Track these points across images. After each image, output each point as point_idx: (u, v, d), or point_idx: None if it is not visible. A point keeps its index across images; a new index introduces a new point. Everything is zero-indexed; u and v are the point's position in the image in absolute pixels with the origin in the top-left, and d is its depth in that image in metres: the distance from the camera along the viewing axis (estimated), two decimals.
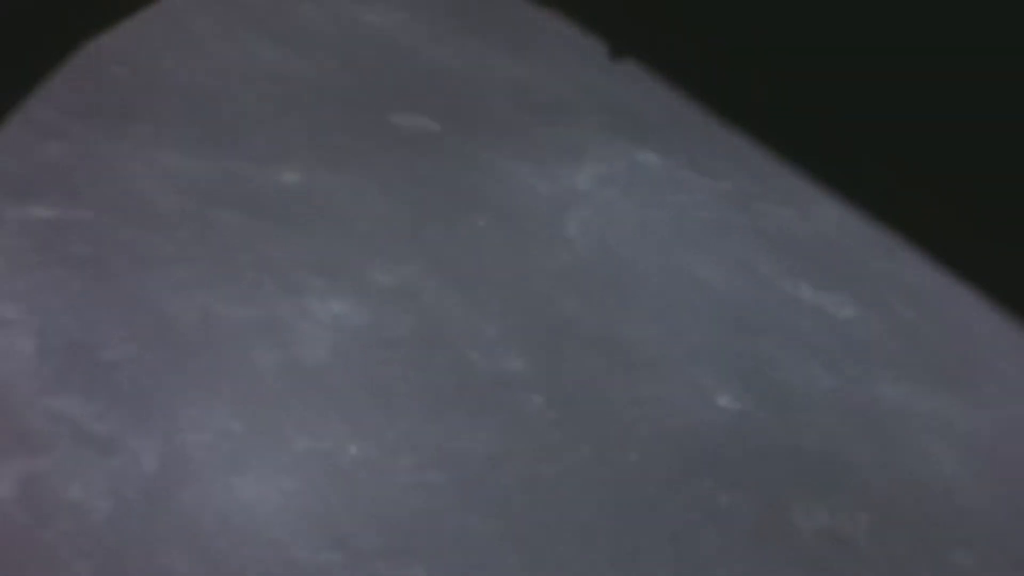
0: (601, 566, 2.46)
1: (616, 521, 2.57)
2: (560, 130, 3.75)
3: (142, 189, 2.86)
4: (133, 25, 3.44)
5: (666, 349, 3.08)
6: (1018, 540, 2.94)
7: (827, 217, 3.94)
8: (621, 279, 3.26)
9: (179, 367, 2.49)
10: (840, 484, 2.89)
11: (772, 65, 4.64)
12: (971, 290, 3.86)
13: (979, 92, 4.36)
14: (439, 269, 2.99)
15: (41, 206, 2.71)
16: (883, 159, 4.34)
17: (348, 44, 3.76)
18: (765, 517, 2.72)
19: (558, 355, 2.91)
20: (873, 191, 4.18)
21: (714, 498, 2.72)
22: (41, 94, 3.03)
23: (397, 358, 2.72)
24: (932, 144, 4.36)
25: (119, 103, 3.10)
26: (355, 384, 2.61)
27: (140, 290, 2.61)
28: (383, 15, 4.01)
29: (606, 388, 2.88)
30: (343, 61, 3.64)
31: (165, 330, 2.55)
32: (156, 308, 2.59)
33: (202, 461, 2.33)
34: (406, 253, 2.99)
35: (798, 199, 3.98)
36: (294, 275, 2.80)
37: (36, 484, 2.18)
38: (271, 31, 3.67)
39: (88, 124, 2.98)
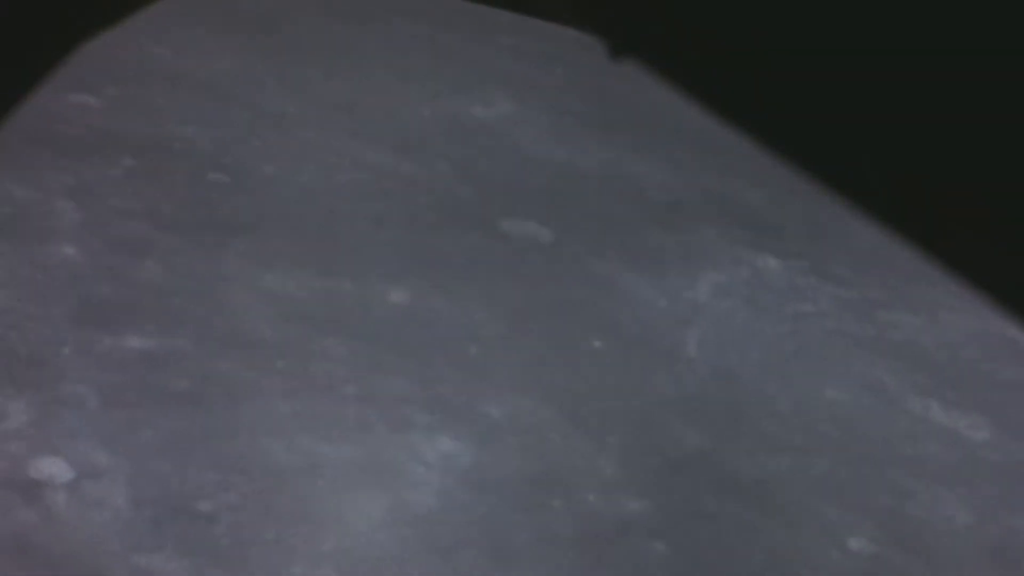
0: None
1: None
2: (678, 235, 3.57)
3: (242, 314, 2.71)
4: (230, 125, 3.30)
5: (793, 485, 2.89)
6: None
7: (956, 325, 3.72)
8: (744, 404, 3.07)
9: (280, 518, 2.32)
10: None
11: (891, 154, 4.45)
12: None
13: None
14: (553, 400, 2.81)
15: (137, 335, 2.57)
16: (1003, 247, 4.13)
17: (455, 142, 3.60)
18: None
19: (680, 495, 2.73)
20: (1006, 294, 3.96)
21: None
22: (138, 203, 2.89)
23: (509, 502, 2.54)
24: None
25: (217, 214, 2.96)
26: (465, 534, 2.44)
27: (239, 430, 2.45)
28: (490, 109, 3.85)
29: (731, 532, 2.69)
30: (450, 161, 3.48)
31: (265, 476, 2.39)
32: (256, 450, 2.43)
33: None
34: (518, 382, 2.82)
35: (925, 304, 3.77)
36: (401, 410, 2.63)
37: None
38: (375, 129, 3.52)
39: (186, 239, 2.84)
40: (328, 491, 2.41)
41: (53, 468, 2.28)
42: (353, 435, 2.54)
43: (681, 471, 2.82)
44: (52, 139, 2.99)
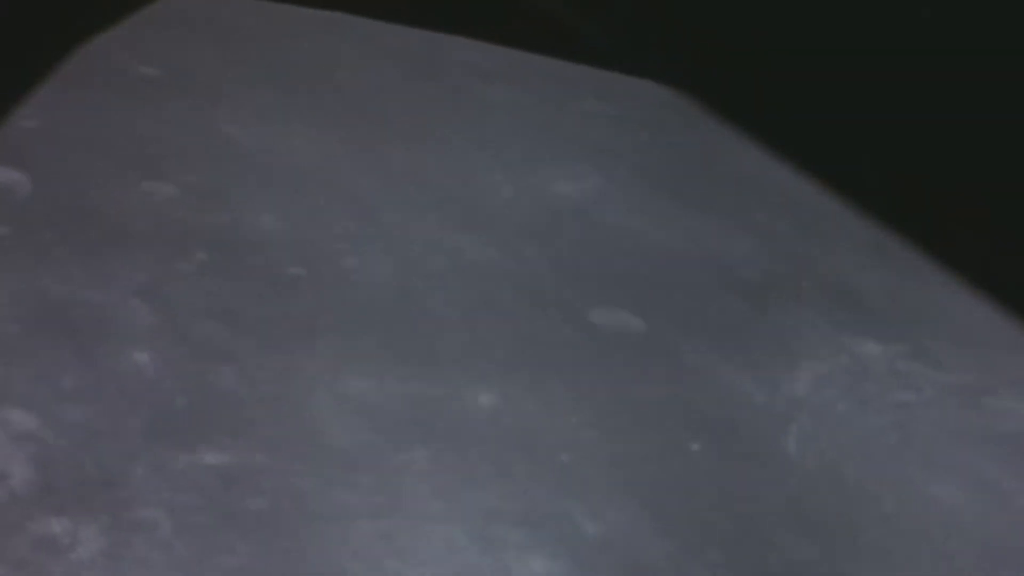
0: None
1: None
2: (772, 319, 3.41)
3: (323, 424, 2.57)
4: (308, 210, 3.17)
5: None
6: None
7: None
8: (850, 506, 2.89)
9: None
10: None
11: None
12: None
13: None
14: (651, 511, 2.65)
15: (212, 450, 2.43)
16: None
17: (541, 222, 3.46)
18: None
19: None
20: None
21: None
22: (213, 302, 2.76)
23: None
24: None
25: (296, 313, 2.82)
26: None
27: (319, 553, 2.31)
28: (575, 183, 3.71)
29: None
30: (537, 244, 3.33)
31: None
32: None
33: None
34: (614, 492, 2.66)
35: None
36: (491, 527, 2.48)
37: None
38: (457, 210, 3.38)
39: (263, 341, 2.70)
40: None
41: None
42: (440, 557, 2.39)
43: None
44: (124, 233, 2.87)
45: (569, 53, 5.02)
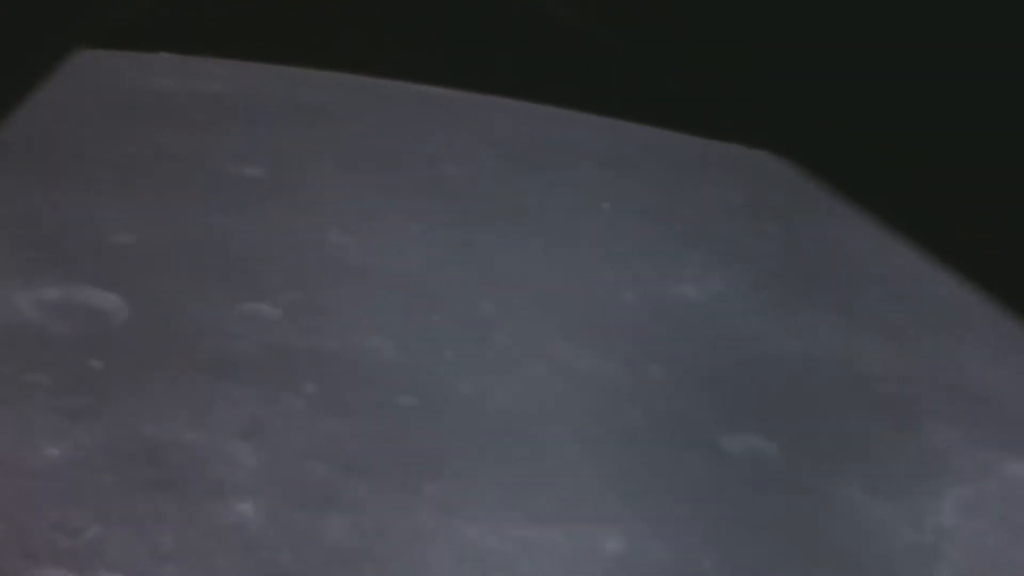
0: None
1: None
2: (912, 438, 3.18)
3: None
4: (419, 329, 2.99)
5: None
6: None
7: None
8: None
9: None
10: None
11: None
12: None
13: None
14: None
15: None
16: None
17: (665, 333, 3.26)
18: None
19: None
20: None
21: None
22: (320, 441, 2.58)
23: None
24: None
25: (409, 451, 2.64)
26: None
27: None
28: (700, 286, 3.51)
29: None
30: (661, 360, 3.13)
31: None
32: None
33: None
34: None
35: None
36: None
37: None
38: (574, 322, 3.19)
39: (374, 484, 2.52)
40: None
41: None
42: None
43: None
44: (226, 364, 2.70)
45: (664, 114, 4.84)
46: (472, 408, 2.79)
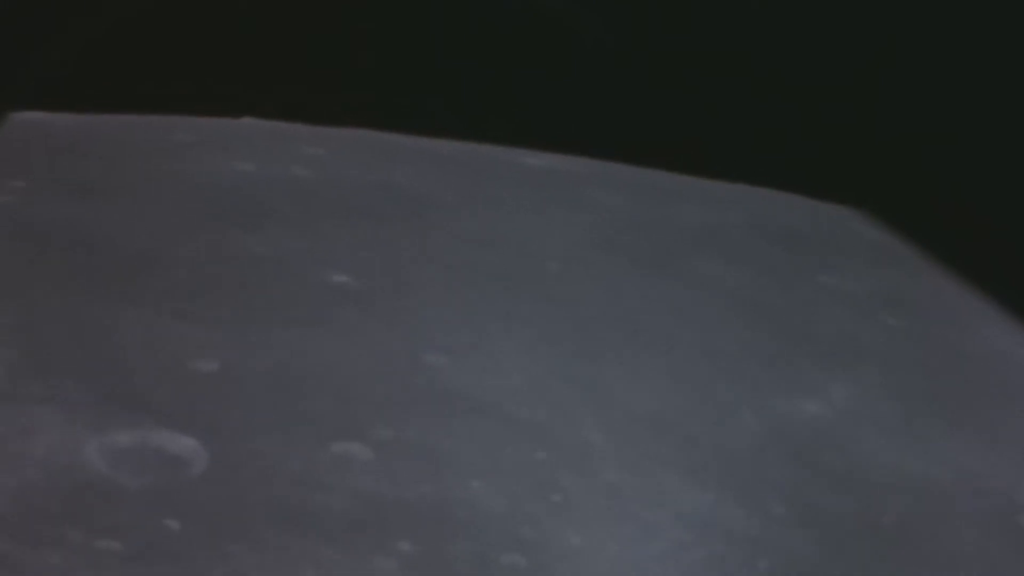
0: None
1: None
2: None
3: None
4: (523, 470, 2.73)
5: None
6: None
7: None
8: None
9: None
10: None
11: None
12: None
13: None
14: None
15: None
16: None
17: (787, 461, 2.99)
18: None
19: None
20: None
21: None
22: None
23: None
24: None
25: None
26: None
27: None
28: (823, 401, 3.25)
29: None
30: (785, 497, 2.86)
31: None
32: None
33: None
34: None
35: None
36: None
37: None
38: (689, 452, 2.92)
39: None
40: None
41: None
42: None
43: None
44: (314, 519, 2.46)
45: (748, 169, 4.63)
46: (582, 564, 2.52)
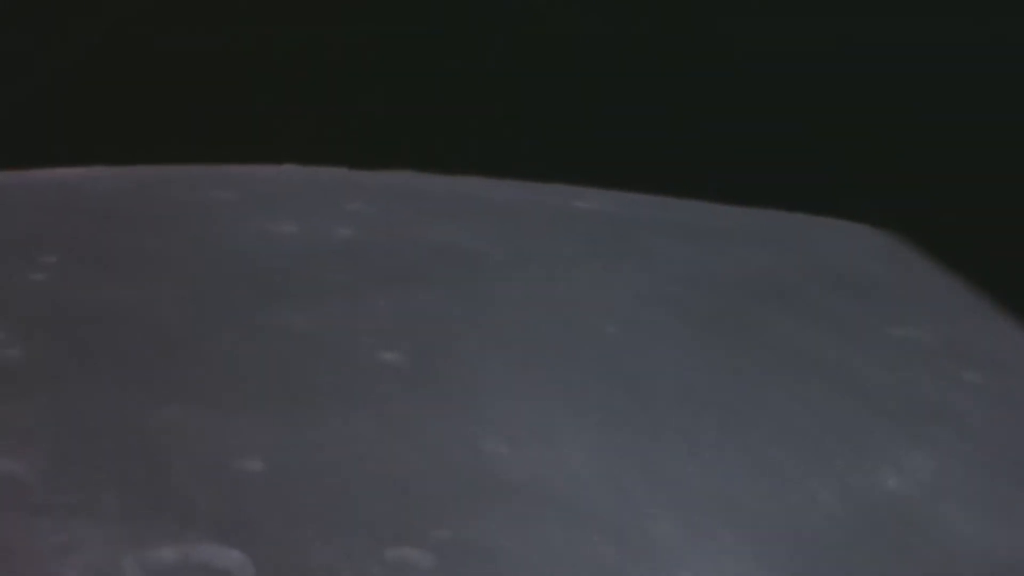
0: None
1: None
2: None
3: None
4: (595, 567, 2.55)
5: None
6: None
7: None
8: None
9: None
10: None
11: None
12: None
13: None
14: None
15: None
16: None
17: (871, 546, 2.80)
18: None
19: None
20: None
21: None
22: None
23: None
24: None
25: None
26: None
27: None
28: (899, 473, 3.06)
29: None
30: None
31: None
32: None
33: None
34: None
35: None
36: None
37: None
38: (774, 540, 2.73)
39: None
40: None
41: None
42: None
43: None
44: None
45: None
46: None
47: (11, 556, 2.35)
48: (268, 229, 3.89)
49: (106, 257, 3.53)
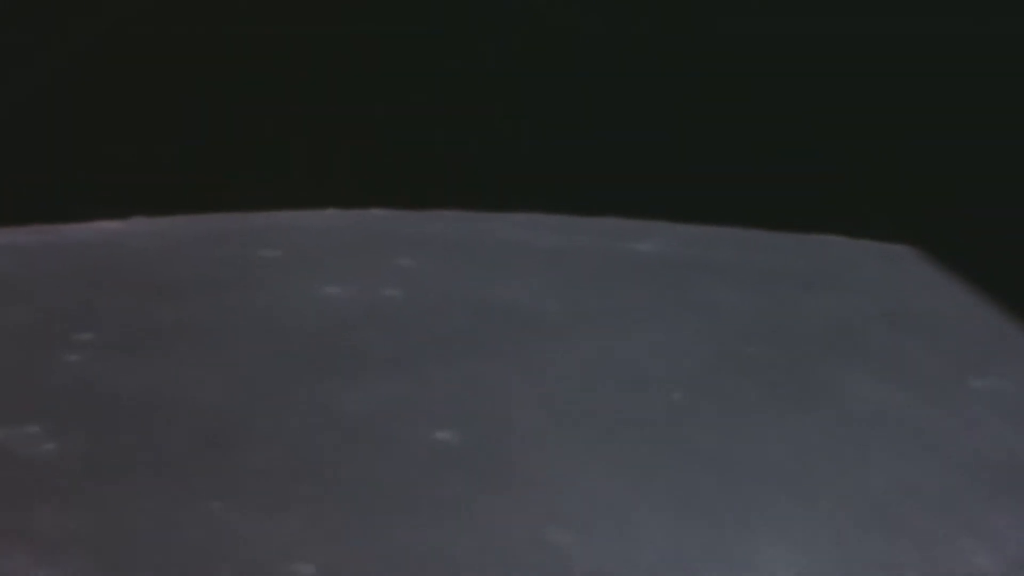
0: None
1: None
2: None
3: None
4: None
5: None
6: None
7: None
8: None
9: None
10: None
11: None
12: None
13: None
14: None
15: None
16: None
17: None
18: None
19: None
20: None
21: None
22: None
23: None
24: None
25: None
26: None
27: None
28: (990, 552, 2.83)
29: None
30: None
31: None
32: None
33: None
34: None
35: None
36: None
37: None
38: None
39: None
40: None
41: None
42: None
43: None
44: None
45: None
46: None
47: None
48: (314, 292, 3.73)
49: (144, 332, 3.37)
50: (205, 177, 5.09)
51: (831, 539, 2.79)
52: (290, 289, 3.70)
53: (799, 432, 3.15)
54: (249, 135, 5.22)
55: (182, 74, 5.15)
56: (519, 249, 4.28)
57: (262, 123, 5.21)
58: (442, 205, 4.68)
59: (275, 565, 2.49)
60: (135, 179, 4.96)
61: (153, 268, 3.93)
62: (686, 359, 3.41)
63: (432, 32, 5.20)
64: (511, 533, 2.65)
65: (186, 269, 3.90)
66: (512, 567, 2.56)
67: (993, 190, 4.94)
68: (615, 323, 3.65)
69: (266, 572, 2.46)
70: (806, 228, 4.65)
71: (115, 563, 2.47)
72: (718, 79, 5.10)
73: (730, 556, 2.65)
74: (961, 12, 5.00)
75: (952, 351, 3.80)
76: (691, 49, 5.13)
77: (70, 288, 3.71)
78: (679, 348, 3.49)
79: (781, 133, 5.13)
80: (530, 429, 3.01)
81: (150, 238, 4.30)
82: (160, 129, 5.19)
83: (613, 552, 2.64)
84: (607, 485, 2.84)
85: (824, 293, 4.05)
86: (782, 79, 5.06)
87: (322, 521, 2.61)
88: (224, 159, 5.11)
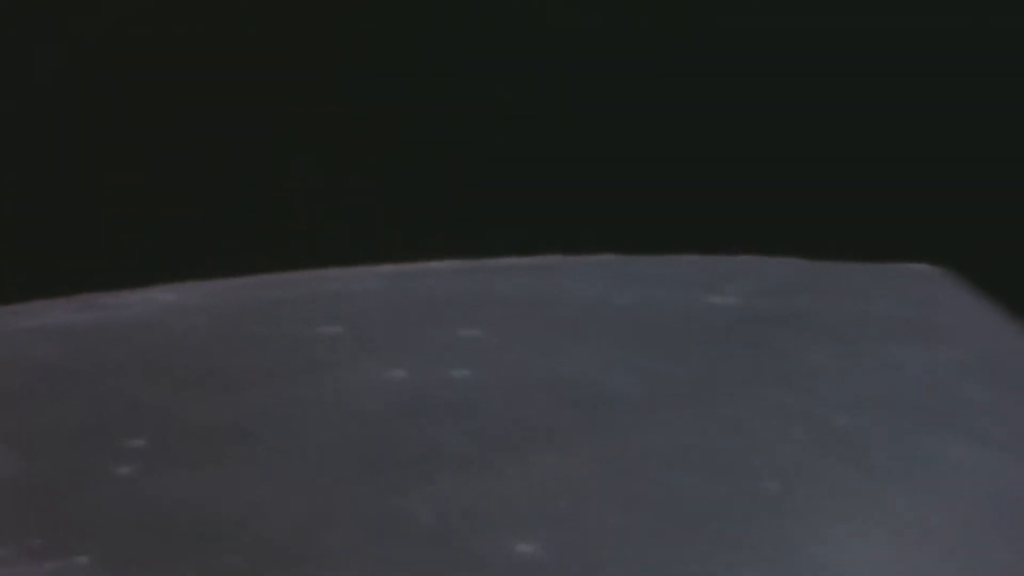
0: None
1: None
2: None
3: None
4: None
5: None
6: None
7: None
8: None
9: None
10: None
11: None
12: None
13: None
14: None
15: None
16: None
17: None
18: None
19: None
20: None
21: None
22: None
23: None
24: None
25: None
26: None
27: None
28: None
29: None
30: None
31: None
32: None
33: None
34: None
35: None
36: None
37: None
38: None
39: None
40: None
41: None
42: None
43: None
44: None
45: None
46: None
47: None
48: (377, 377, 3.52)
49: (200, 435, 3.17)
50: (214, 179, 5.02)
51: None
52: (351, 375, 3.50)
53: (905, 520, 2.92)
54: (245, 134, 5.16)
55: (182, 74, 5.09)
56: (594, 312, 4.07)
57: (259, 122, 5.16)
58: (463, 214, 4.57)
59: None
60: (146, 178, 4.91)
61: (208, 352, 3.73)
62: (775, 445, 3.18)
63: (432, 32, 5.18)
64: None
65: (243, 354, 3.70)
66: None
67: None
68: (698, 399, 3.42)
69: None
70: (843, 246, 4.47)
71: None
72: (718, 79, 5.05)
73: None
74: (959, 12, 5.01)
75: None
76: (690, 48, 5.12)
77: (122, 382, 3.52)
78: (772, 428, 3.25)
79: (786, 137, 5.08)
80: (618, 536, 2.80)
81: (203, 314, 4.11)
82: (160, 131, 5.13)
83: None
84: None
85: (912, 350, 3.81)
86: (782, 79, 5.00)
87: None
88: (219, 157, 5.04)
